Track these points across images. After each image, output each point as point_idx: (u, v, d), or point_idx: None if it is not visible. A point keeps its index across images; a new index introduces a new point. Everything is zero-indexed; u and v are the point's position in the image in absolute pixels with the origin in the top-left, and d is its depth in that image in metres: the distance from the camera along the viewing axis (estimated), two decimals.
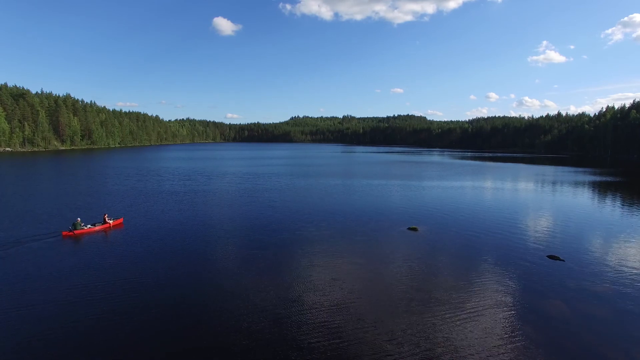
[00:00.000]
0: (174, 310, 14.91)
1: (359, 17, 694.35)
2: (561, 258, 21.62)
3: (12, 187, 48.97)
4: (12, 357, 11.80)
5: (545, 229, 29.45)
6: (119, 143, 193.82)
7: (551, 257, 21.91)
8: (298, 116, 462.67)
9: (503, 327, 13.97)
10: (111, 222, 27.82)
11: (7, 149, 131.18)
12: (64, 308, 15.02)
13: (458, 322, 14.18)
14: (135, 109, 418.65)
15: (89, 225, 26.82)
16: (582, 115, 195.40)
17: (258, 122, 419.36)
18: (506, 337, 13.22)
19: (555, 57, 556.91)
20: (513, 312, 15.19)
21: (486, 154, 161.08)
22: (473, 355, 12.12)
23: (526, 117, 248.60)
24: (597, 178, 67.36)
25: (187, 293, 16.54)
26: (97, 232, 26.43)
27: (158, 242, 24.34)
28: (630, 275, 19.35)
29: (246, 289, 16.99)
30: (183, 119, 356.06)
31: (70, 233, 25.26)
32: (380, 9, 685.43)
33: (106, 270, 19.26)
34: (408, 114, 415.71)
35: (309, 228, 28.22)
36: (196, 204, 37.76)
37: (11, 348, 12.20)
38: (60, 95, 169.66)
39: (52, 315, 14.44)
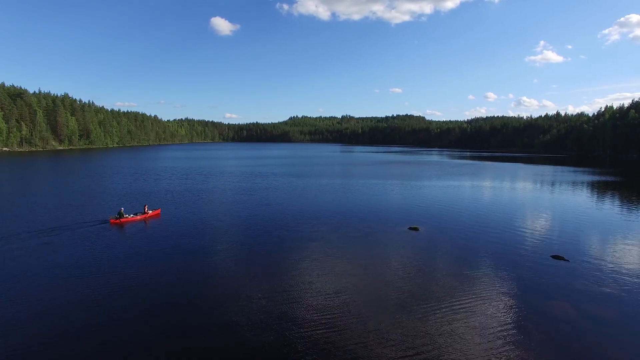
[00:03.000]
0: (181, 305, 14.78)
1: (356, 17, 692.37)
2: (565, 258, 21.28)
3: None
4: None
5: (548, 228, 29.14)
6: (117, 143, 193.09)
7: (555, 257, 21.57)
8: (297, 116, 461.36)
9: (507, 328, 13.61)
10: (150, 212, 31.40)
11: (5, 148, 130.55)
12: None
13: (461, 323, 13.84)
14: (134, 109, 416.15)
15: (131, 215, 30.18)
16: (581, 115, 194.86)
17: (257, 122, 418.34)
18: (510, 338, 12.86)
19: (553, 57, 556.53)
20: (517, 313, 14.84)
21: (485, 154, 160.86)
22: (476, 356, 11.76)
23: (525, 117, 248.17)
24: (598, 178, 67.12)
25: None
26: (139, 220, 29.78)
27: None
28: (636, 275, 19.02)
29: (251, 288, 16.75)
30: (182, 119, 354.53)
31: (117, 220, 28.72)
32: (378, 9, 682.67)
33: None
34: (407, 114, 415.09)
35: (312, 227, 27.89)
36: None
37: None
38: (58, 94, 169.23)
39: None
